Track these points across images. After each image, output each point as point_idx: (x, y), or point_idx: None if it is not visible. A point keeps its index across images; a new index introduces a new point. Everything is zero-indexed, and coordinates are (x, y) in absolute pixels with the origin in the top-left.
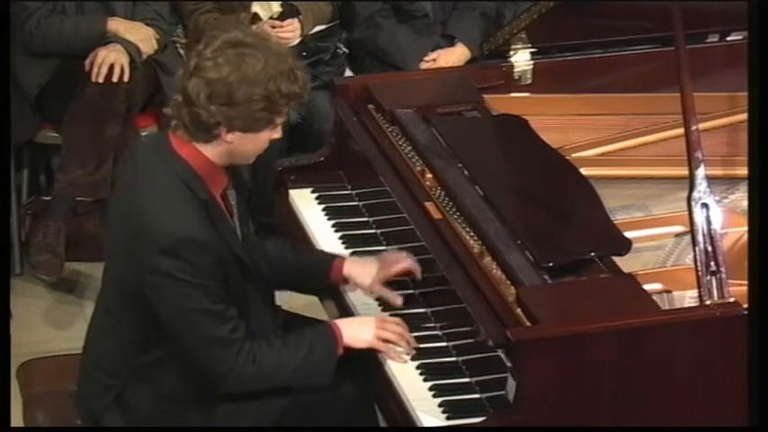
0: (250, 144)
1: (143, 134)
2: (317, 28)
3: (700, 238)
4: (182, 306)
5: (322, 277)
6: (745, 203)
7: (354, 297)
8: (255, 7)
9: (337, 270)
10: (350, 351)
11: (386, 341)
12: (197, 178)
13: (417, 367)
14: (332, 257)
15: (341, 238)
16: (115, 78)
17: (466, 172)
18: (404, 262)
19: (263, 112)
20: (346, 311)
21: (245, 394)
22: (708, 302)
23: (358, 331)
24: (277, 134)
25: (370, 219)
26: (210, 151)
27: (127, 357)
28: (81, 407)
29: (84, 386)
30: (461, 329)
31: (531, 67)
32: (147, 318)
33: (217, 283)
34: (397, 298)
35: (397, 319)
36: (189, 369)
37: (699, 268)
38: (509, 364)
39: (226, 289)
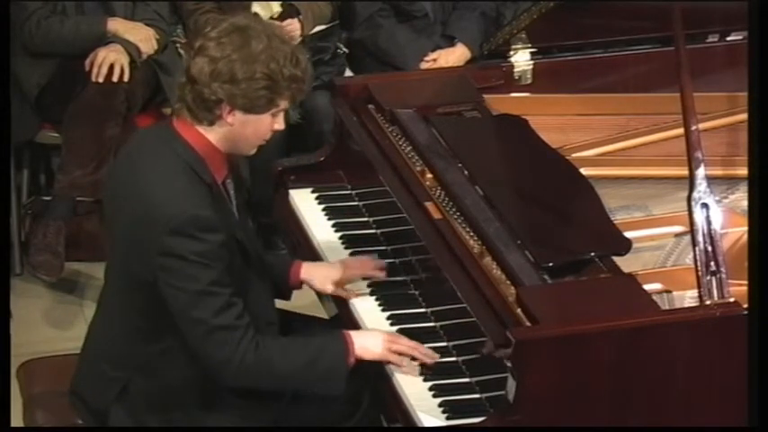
0: (251, 128)
1: None
2: (317, 28)
3: (700, 238)
4: (191, 288)
5: (283, 279)
6: (745, 203)
7: (355, 298)
8: (255, 7)
9: (295, 273)
10: (360, 363)
11: (398, 354)
12: (200, 162)
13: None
14: (291, 260)
15: (341, 238)
16: (115, 78)
17: (466, 172)
18: (366, 269)
19: (264, 90)
20: (347, 310)
21: (246, 389)
22: (708, 302)
23: (369, 343)
24: (279, 125)
25: (370, 219)
26: (213, 135)
27: (134, 348)
28: (79, 404)
29: (84, 382)
30: (461, 329)
31: (531, 67)
32: (155, 306)
33: (224, 266)
34: (351, 295)
35: (411, 342)
36: (194, 360)
37: (699, 268)
38: (509, 364)
39: (231, 275)
